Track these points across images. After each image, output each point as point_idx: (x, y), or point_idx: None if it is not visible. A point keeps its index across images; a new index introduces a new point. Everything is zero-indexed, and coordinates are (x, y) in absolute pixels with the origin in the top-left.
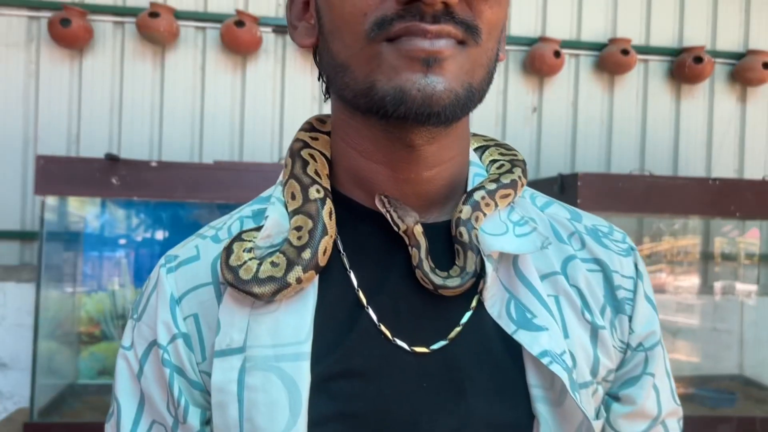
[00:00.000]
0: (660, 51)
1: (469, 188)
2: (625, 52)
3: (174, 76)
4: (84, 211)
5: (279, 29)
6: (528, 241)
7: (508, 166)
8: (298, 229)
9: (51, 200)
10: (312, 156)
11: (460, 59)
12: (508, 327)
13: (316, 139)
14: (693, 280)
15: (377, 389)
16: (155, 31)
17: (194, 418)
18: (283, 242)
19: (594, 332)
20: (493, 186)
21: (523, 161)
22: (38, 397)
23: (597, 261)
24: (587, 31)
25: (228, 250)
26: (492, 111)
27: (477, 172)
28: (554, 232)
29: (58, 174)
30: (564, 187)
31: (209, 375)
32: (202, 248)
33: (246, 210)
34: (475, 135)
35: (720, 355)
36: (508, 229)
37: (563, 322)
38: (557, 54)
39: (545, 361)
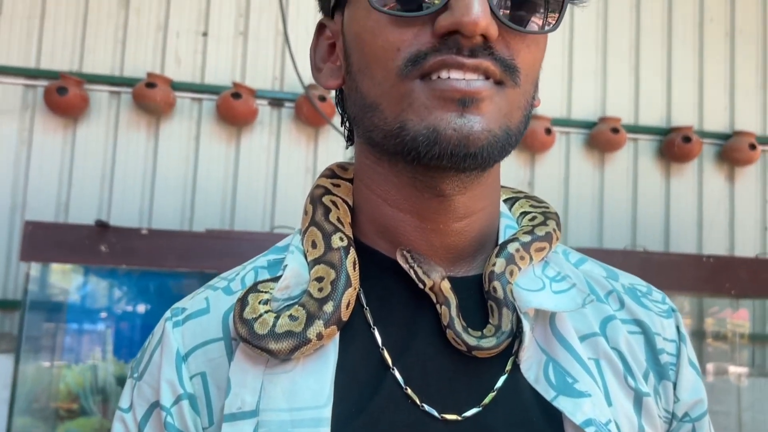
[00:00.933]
0: (649, 130)
1: (501, 241)
2: (615, 130)
3: (168, 145)
4: (68, 281)
5: (275, 102)
6: (568, 298)
7: (541, 218)
8: (320, 280)
9: (35, 270)
10: (334, 203)
11: (498, 100)
12: (547, 393)
13: (337, 185)
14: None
15: None
16: (151, 101)
17: None
18: (302, 294)
19: (638, 400)
20: (527, 238)
21: (557, 214)
22: None
23: (638, 322)
24: (578, 110)
25: (242, 302)
26: None
27: (508, 224)
28: (591, 290)
29: (45, 240)
30: None
31: None
32: (213, 300)
33: (261, 260)
34: (504, 187)
35: None
36: (545, 285)
37: (605, 388)
38: (548, 131)
39: (590, 430)
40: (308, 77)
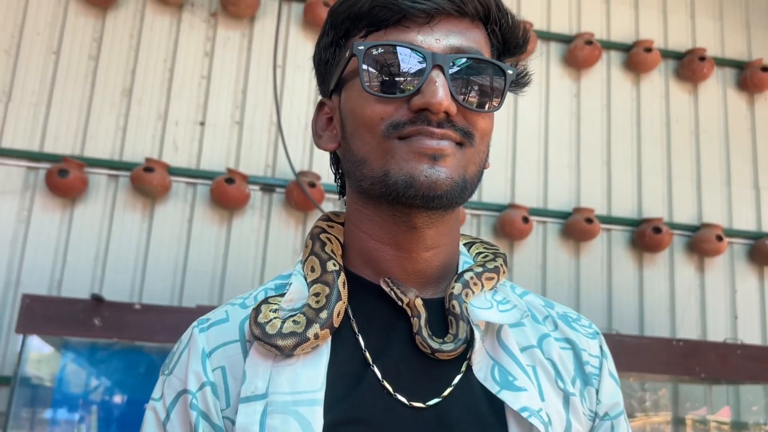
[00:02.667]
0: (621, 221)
1: (459, 271)
2: (589, 220)
3: (162, 227)
4: (58, 358)
5: (266, 187)
6: (509, 315)
7: (491, 256)
8: (317, 295)
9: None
10: (329, 239)
11: (459, 156)
12: (493, 388)
13: (331, 227)
14: None
15: None
16: (148, 185)
17: None
18: (303, 306)
19: (566, 399)
20: (480, 269)
21: (504, 255)
22: None
23: (568, 340)
24: (553, 200)
25: (257, 310)
26: None
27: (465, 260)
28: (531, 314)
29: (41, 313)
30: None
31: (232, 421)
32: (231, 312)
33: (270, 284)
34: (463, 234)
35: None
36: (493, 305)
37: (540, 388)
38: (526, 220)
39: (525, 414)
40: (299, 164)
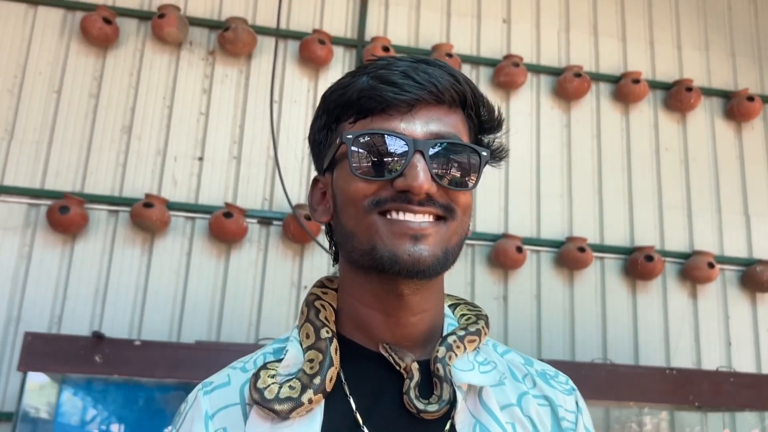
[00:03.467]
0: (614, 249)
1: (444, 334)
2: (582, 249)
3: (161, 261)
4: (57, 394)
5: (264, 221)
6: (489, 377)
7: (474, 318)
8: (311, 361)
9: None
10: (323, 306)
11: (441, 231)
12: None
13: (325, 293)
14: None
15: None
16: (148, 220)
17: None
18: (298, 372)
19: None
20: (462, 333)
21: (486, 316)
22: None
23: (546, 398)
24: (546, 230)
25: (256, 376)
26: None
27: (450, 322)
28: (511, 373)
29: (43, 350)
30: None
31: None
32: (233, 376)
33: (268, 348)
34: (448, 295)
35: None
36: (474, 367)
37: None
38: (519, 249)
39: None
40: (296, 198)
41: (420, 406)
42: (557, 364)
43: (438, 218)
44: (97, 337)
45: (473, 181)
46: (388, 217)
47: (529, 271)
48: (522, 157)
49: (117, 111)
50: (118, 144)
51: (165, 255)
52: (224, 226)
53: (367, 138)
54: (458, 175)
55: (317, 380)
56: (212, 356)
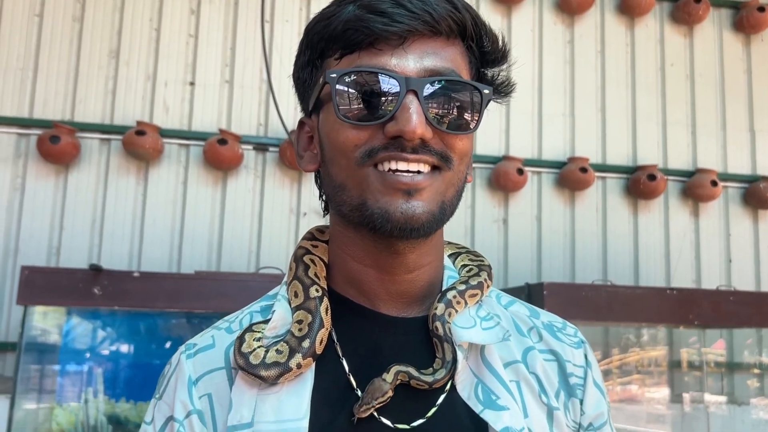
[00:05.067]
0: (616, 169)
1: (443, 288)
2: (584, 170)
3: (156, 190)
4: (61, 323)
5: (259, 147)
6: (492, 334)
7: (475, 270)
8: (300, 322)
9: (30, 312)
10: (312, 261)
11: (436, 183)
12: (476, 407)
13: (316, 246)
14: (662, 391)
15: None
16: (141, 148)
17: None
18: (286, 333)
19: (550, 413)
20: (462, 287)
21: (489, 266)
22: None
23: (552, 352)
24: (548, 151)
25: (241, 339)
26: (461, 224)
27: (450, 275)
28: (516, 326)
29: (41, 284)
30: (531, 296)
31: None
32: (217, 338)
33: (255, 306)
34: (449, 243)
35: None
36: (476, 323)
37: (523, 404)
38: (520, 171)
39: None
40: (291, 123)
41: (429, 379)
42: (557, 287)
43: (433, 168)
44: (95, 269)
45: (474, 124)
46: (381, 168)
47: (529, 193)
48: (523, 76)
49: (103, 35)
50: (106, 70)
51: (160, 184)
52: (219, 153)
53: (353, 77)
54: (457, 117)
55: (306, 343)
56: (212, 286)
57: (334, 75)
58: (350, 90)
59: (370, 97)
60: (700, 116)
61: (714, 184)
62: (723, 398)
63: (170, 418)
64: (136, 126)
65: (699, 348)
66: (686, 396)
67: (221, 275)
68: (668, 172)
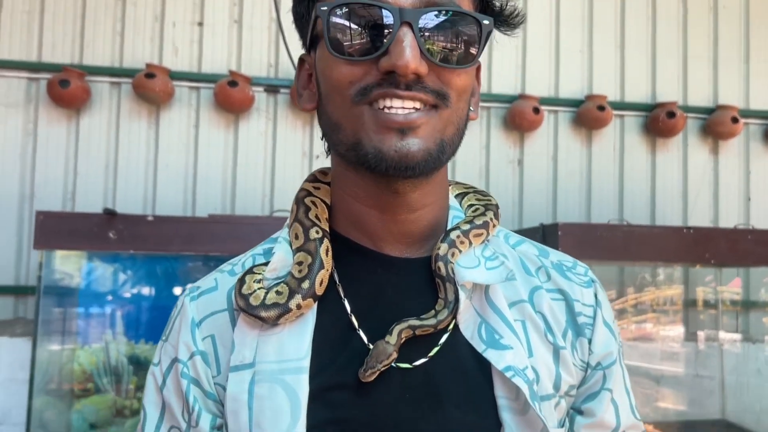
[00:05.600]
0: (634, 106)
1: (448, 228)
2: (601, 108)
3: (168, 133)
4: (79, 266)
5: (270, 89)
6: (496, 274)
7: (481, 209)
8: (300, 263)
9: (48, 256)
10: (314, 203)
11: (433, 122)
12: (479, 346)
13: (318, 188)
14: (677, 329)
15: (367, 399)
16: (151, 92)
17: (205, 422)
18: (287, 275)
19: (556, 352)
20: (467, 227)
21: (496, 205)
22: None
23: (560, 291)
24: (565, 88)
25: (241, 281)
26: (476, 164)
27: (456, 214)
28: (523, 266)
29: (56, 229)
30: (546, 237)
31: (223, 387)
32: (220, 280)
33: (258, 249)
34: (457, 183)
35: (704, 401)
36: (480, 263)
37: (528, 343)
38: (536, 110)
39: (509, 374)
40: None
41: (432, 321)
42: (572, 227)
43: (431, 107)
44: (109, 213)
45: (472, 57)
46: (375, 106)
47: (546, 132)
48: (540, 10)
49: None
50: (113, 11)
51: (172, 127)
52: (230, 96)
53: (344, 9)
54: (455, 50)
55: (306, 284)
56: (226, 229)
57: (325, 8)
58: (342, 23)
59: (363, 30)
60: (723, 50)
61: (735, 120)
62: (737, 336)
63: (175, 360)
64: (145, 69)
65: (715, 287)
66: (701, 334)
67: (235, 218)
68: (688, 109)
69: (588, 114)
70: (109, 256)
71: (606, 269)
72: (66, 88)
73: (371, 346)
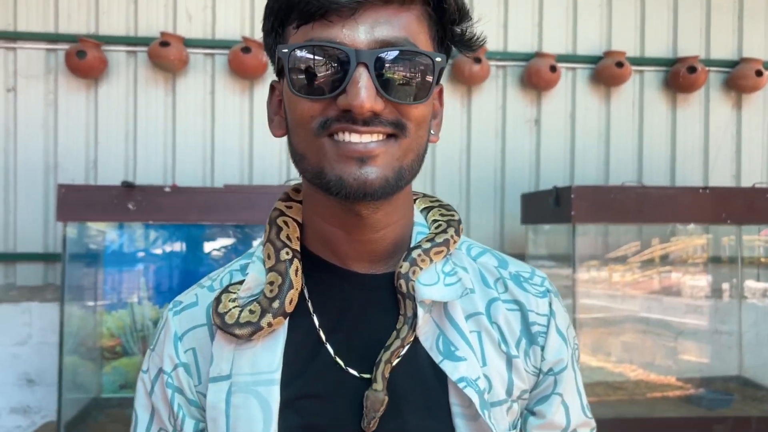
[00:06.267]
0: (654, 62)
1: (411, 246)
2: (620, 64)
3: (185, 101)
4: (104, 234)
5: None
6: (452, 291)
7: (444, 226)
8: (271, 283)
9: (73, 225)
10: (286, 222)
11: (392, 150)
12: (436, 357)
13: (290, 207)
14: (698, 283)
15: (333, 407)
16: (166, 60)
17: (189, 427)
18: (260, 293)
19: (509, 361)
20: (428, 245)
21: (459, 221)
22: (65, 411)
23: (516, 302)
24: (582, 45)
25: (217, 300)
26: (492, 125)
27: (420, 230)
28: (482, 278)
29: (78, 201)
30: (559, 200)
31: (204, 395)
32: (200, 296)
33: (235, 264)
34: (424, 196)
35: (723, 356)
36: (439, 280)
37: (483, 353)
38: (553, 69)
39: (461, 385)
40: None
41: (397, 343)
42: (585, 190)
43: (389, 136)
44: (127, 186)
45: (427, 92)
46: (335, 138)
47: (563, 90)
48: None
49: None
50: None
51: (188, 94)
52: (244, 62)
53: (303, 51)
54: (408, 87)
55: (276, 304)
56: (241, 199)
57: (286, 50)
58: (302, 64)
59: (322, 70)
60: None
61: (759, 74)
62: (758, 291)
63: (160, 370)
64: (160, 37)
65: (737, 241)
66: (722, 288)
67: (250, 188)
68: (710, 63)
69: (606, 71)
70: (131, 226)
71: (624, 227)
72: (83, 58)
73: (337, 359)
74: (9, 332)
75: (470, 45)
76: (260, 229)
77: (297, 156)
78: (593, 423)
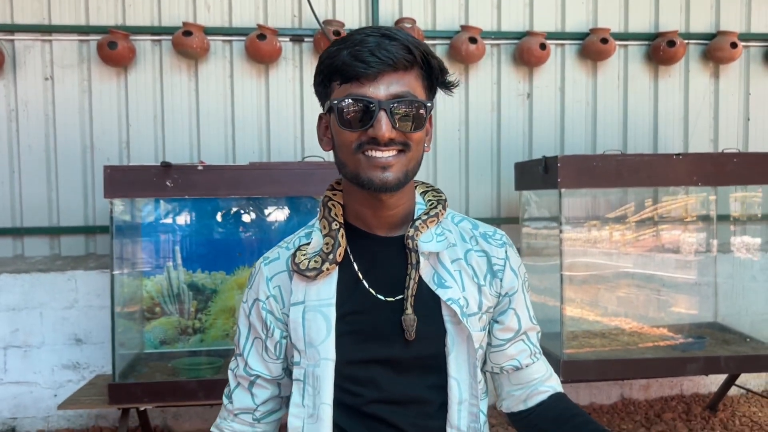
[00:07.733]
0: (637, 36)
1: (414, 218)
2: (605, 40)
3: (207, 85)
4: (145, 209)
5: (295, 38)
6: (440, 245)
7: (435, 203)
8: (327, 244)
9: (117, 201)
10: (333, 205)
11: (402, 161)
12: (433, 287)
13: (335, 194)
14: (677, 239)
15: (369, 319)
16: (189, 48)
17: (277, 335)
18: (320, 250)
19: (479, 288)
20: (425, 217)
21: (444, 200)
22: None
23: (483, 251)
24: (570, 23)
25: (294, 255)
26: (488, 99)
27: (419, 207)
28: (461, 236)
29: (121, 180)
30: (547, 168)
31: (287, 315)
32: (281, 254)
33: (302, 233)
34: (422, 183)
35: (700, 305)
36: (433, 238)
37: (462, 283)
38: (543, 46)
39: (449, 302)
40: (322, 13)
41: (411, 282)
42: (570, 159)
43: (399, 151)
44: (165, 165)
45: (421, 124)
46: (366, 154)
47: (553, 66)
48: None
49: None
50: None
51: (210, 79)
52: (259, 48)
53: (346, 101)
54: (411, 122)
55: (331, 256)
56: (265, 174)
57: (336, 101)
58: (346, 109)
59: (357, 113)
60: None
61: (734, 45)
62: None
63: (256, 299)
64: (182, 27)
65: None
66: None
67: (272, 165)
68: (689, 36)
69: (592, 46)
70: (168, 200)
71: (607, 193)
72: (114, 49)
73: (371, 290)
74: (58, 298)
75: (449, 87)
76: (282, 202)
77: (341, 164)
78: (538, 328)
